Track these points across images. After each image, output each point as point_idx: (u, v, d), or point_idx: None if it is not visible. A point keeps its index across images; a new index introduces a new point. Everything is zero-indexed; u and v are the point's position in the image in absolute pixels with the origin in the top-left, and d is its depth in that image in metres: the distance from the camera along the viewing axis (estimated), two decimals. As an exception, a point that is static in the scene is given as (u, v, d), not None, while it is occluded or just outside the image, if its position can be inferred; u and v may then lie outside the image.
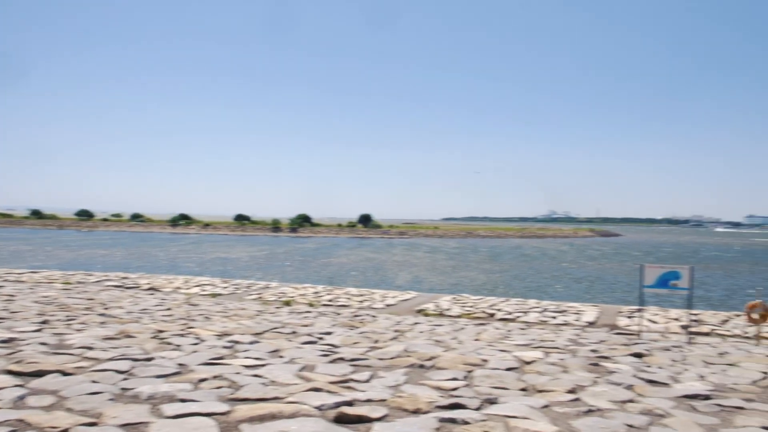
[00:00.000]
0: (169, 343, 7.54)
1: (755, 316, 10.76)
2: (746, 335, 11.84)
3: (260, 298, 16.33)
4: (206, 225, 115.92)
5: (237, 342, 7.88)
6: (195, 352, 6.97)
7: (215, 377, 5.67)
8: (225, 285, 19.00)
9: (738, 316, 14.26)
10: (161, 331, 8.48)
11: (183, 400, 4.74)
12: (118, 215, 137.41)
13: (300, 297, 16.58)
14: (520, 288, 30.74)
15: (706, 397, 5.77)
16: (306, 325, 10.33)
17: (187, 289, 17.73)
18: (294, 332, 9.21)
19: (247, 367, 6.27)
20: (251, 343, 7.87)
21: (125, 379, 5.39)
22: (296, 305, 14.93)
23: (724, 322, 13.46)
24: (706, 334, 11.97)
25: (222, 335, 8.46)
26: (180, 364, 6.18)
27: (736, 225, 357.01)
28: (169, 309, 11.71)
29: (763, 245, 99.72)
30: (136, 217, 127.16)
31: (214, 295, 16.45)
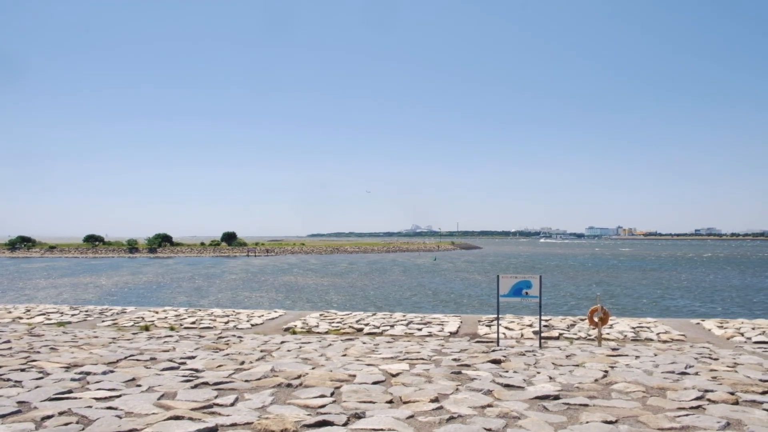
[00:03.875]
0: (6, 380, 6.83)
1: (596, 319, 11.84)
2: (590, 337, 12.97)
3: (115, 324, 15.24)
4: (51, 248, 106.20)
5: (88, 373, 7.30)
6: (38, 387, 6.37)
7: (62, 413, 5.21)
8: (74, 312, 17.49)
9: (582, 320, 15.57)
10: (-3, 366, 7.64)
11: (23, 441, 4.31)
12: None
13: (160, 321, 15.69)
14: (389, 302, 31.39)
15: (556, 397, 6.25)
16: (166, 351, 9.80)
17: (30, 318, 16.13)
18: (153, 359, 8.70)
19: (99, 399, 5.84)
20: (104, 373, 7.33)
21: (-48, 422, 4.80)
22: (156, 330, 14.11)
23: (571, 326, 14.62)
24: (556, 338, 12.94)
25: (70, 367, 7.79)
26: (20, 402, 5.62)
27: (579, 236, 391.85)
28: (7, 342, 10.58)
29: (583, 254, 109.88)
30: None
31: (61, 324, 15.10)
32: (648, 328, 14.20)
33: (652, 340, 12.66)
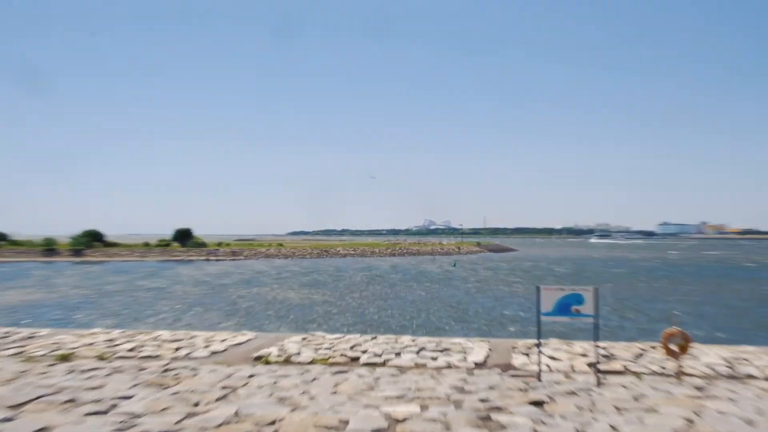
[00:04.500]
0: None
1: (673, 347, 11.71)
2: (665, 371, 12.88)
3: (23, 352, 15.19)
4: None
5: (-17, 419, 7.22)
6: None
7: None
8: (-31, 336, 17.47)
9: (654, 348, 15.48)
10: None
11: None
12: None
13: (86, 348, 15.63)
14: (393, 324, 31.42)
15: (622, 453, 6.15)
16: (93, 388, 9.75)
17: None
18: (73, 399, 8.66)
19: (-4, 456, 5.74)
20: (5, 420, 7.25)
21: None
22: (79, 360, 14.05)
23: (639, 356, 14.54)
24: (619, 373, 12.86)
25: (-40, 410, 7.71)
26: None
27: (649, 234, 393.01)
28: None
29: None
30: None
31: (-50, 352, 15.07)
32: (747, 360, 14.09)
33: (754, 377, 12.56)
